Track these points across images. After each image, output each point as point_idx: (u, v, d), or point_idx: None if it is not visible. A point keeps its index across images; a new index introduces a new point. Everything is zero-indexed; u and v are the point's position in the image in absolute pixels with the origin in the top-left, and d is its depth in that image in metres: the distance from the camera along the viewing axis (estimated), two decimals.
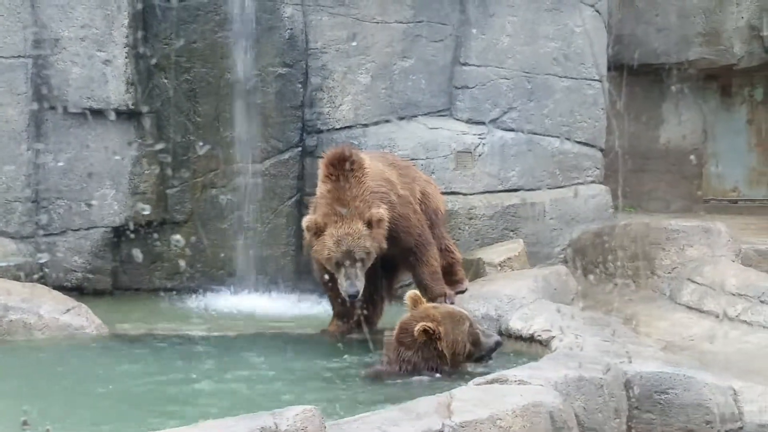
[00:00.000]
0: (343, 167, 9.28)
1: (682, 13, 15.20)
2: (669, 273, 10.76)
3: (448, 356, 7.82)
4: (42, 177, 11.77)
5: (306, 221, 9.26)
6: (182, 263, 12.08)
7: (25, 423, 5.90)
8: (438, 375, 7.77)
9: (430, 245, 9.91)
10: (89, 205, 11.80)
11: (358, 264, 9.12)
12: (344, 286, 9.12)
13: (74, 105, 11.65)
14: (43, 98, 11.59)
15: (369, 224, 9.13)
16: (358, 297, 9.16)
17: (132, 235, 11.84)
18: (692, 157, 15.44)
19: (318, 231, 9.14)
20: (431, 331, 7.75)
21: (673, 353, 8.31)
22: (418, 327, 7.76)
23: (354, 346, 9.16)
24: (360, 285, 9.13)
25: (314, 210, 9.46)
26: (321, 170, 9.51)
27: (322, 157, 9.88)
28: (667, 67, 15.14)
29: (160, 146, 11.91)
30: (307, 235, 9.26)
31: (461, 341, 7.92)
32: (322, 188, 9.39)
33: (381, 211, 9.23)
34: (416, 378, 7.74)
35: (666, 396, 6.76)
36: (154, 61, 12.00)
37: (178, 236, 12.05)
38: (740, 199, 16.05)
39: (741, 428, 6.72)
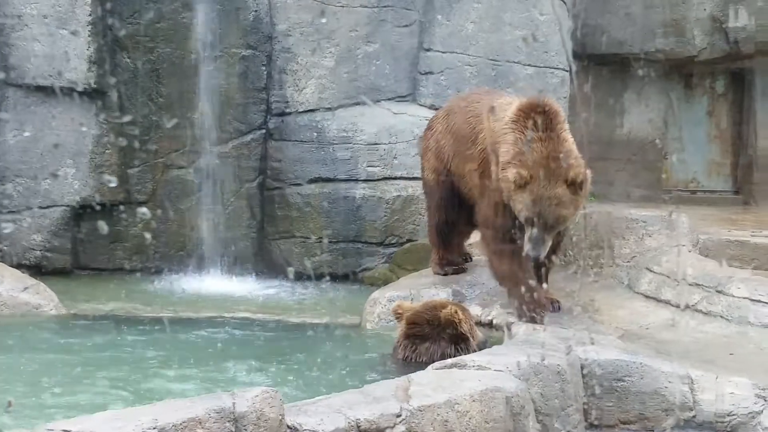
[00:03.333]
0: (540, 117, 8.49)
1: (647, 3, 15.22)
2: (628, 262, 10.79)
3: (473, 340, 7.68)
4: (1, 154, 11.68)
5: (514, 175, 8.32)
6: (142, 240, 12.04)
7: None
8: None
9: None
10: (49, 183, 11.73)
11: (548, 230, 8.41)
12: (527, 247, 8.38)
13: (36, 82, 11.58)
14: (4, 75, 11.49)
15: (571, 186, 8.33)
16: (539, 260, 8.56)
17: (92, 214, 11.78)
18: (653, 146, 15.50)
19: (523, 185, 8.33)
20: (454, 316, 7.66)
21: (630, 341, 8.35)
22: (444, 311, 7.67)
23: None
24: (542, 251, 8.37)
25: (512, 157, 8.54)
26: (510, 115, 8.69)
27: None
28: (630, 57, 15.18)
29: (122, 125, 11.84)
30: (512, 186, 8.35)
31: (476, 329, 7.84)
32: (510, 135, 8.58)
33: (587, 172, 8.48)
34: None
35: (623, 383, 6.81)
36: (117, 39, 11.92)
37: (144, 209, 12.01)
38: (700, 189, 16.14)
39: (695, 416, 6.78)
